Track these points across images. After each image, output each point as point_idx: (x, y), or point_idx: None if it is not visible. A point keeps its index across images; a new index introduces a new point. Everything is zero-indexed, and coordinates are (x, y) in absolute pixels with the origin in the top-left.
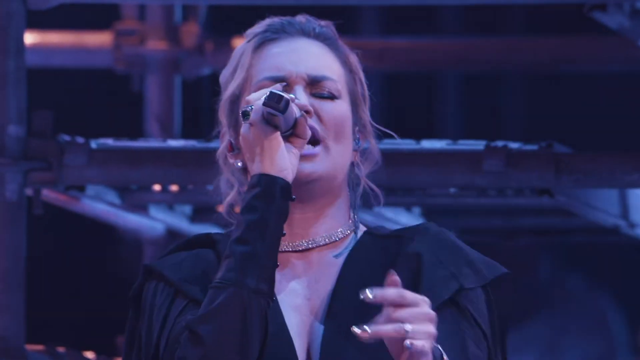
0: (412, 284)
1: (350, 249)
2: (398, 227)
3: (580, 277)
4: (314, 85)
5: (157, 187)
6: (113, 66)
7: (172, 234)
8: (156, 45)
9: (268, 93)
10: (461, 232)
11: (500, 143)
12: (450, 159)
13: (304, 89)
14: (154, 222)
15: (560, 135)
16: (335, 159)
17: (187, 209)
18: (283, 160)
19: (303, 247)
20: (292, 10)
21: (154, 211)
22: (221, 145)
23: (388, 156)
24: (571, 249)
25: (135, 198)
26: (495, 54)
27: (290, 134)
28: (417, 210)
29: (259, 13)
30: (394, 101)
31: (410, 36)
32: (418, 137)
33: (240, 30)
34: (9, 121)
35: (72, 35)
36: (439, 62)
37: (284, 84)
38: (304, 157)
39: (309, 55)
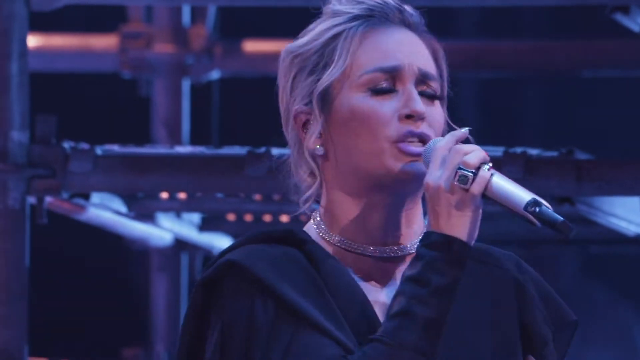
0: (517, 315)
1: None
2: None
3: (602, 288)
4: (422, 82)
5: (164, 195)
6: (119, 70)
7: (180, 243)
8: (163, 48)
9: (531, 199)
10: (481, 240)
11: (519, 149)
12: None
13: (414, 85)
14: (161, 231)
15: (581, 141)
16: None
17: (196, 217)
18: (476, 231)
19: (388, 254)
20: (305, 12)
21: (161, 220)
22: (300, 132)
23: None
24: (593, 259)
25: (142, 206)
26: (514, 57)
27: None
28: None
29: (270, 15)
30: None
31: None
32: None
33: (249, 33)
34: (11, 127)
35: (76, 38)
36: (454, 66)
37: (467, 129)
38: (416, 157)
39: (418, 49)
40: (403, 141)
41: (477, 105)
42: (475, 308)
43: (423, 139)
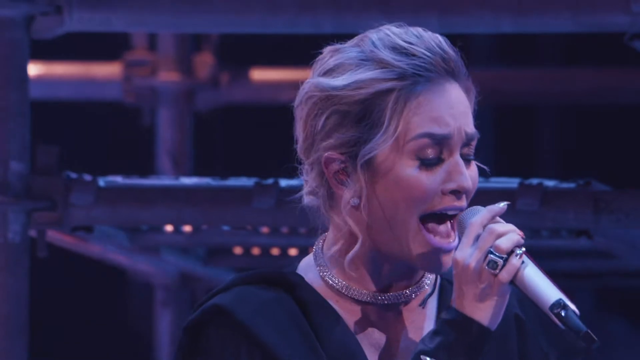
0: (519, 348)
1: (435, 299)
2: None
3: (620, 323)
4: (465, 145)
5: (169, 228)
6: (122, 99)
7: (185, 278)
8: (168, 76)
9: (557, 300)
10: None
11: (535, 181)
12: (481, 197)
13: (460, 152)
14: (165, 265)
15: (599, 173)
16: None
17: (201, 251)
18: (499, 316)
19: (390, 301)
20: (314, 40)
21: (165, 254)
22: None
23: None
24: (611, 293)
25: (145, 240)
26: (530, 85)
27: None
28: None
29: (277, 42)
30: None
31: None
32: None
33: (256, 61)
34: (11, 157)
35: (78, 66)
36: None
37: (506, 203)
38: (445, 252)
39: (464, 108)
40: (435, 231)
41: (492, 135)
42: None
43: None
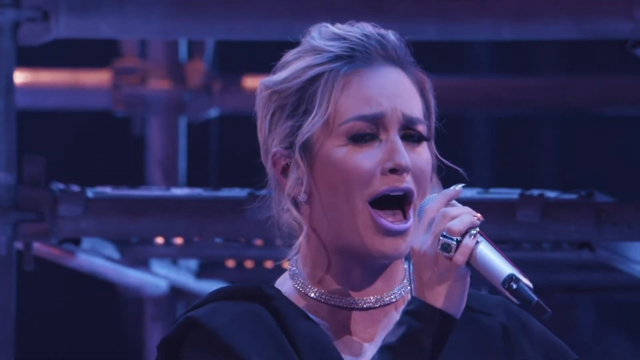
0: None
1: None
2: None
3: (623, 338)
4: (406, 127)
5: (159, 240)
6: (112, 108)
7: (176, 291)
8: (159, 84)
9: (508, 275)
10: (493, 289)
11: (535, 192)
12: (481, 208)
13: (398, 134)
14: (156, 278)
15: (601, 184)
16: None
17: (193, 264)
18: (463, 303)
19: (368, 305)
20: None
21: (156, 266)
22: (288, 184)
23: None
24: (613, 307)
25: (135, 252)
26: (530, 94)
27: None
28: None
29: (271, 50)
30: None
31: (437, 75)
32: (446, 185)
33: (249, 69)
34: None
35: (66, 73)
36: (469, 103)
37: (461, 185)
38: (397, 234)
39: (402, 90)
40: (384, 214)
41: (492, 145)
42: (460, 356)
43: (408, 194)
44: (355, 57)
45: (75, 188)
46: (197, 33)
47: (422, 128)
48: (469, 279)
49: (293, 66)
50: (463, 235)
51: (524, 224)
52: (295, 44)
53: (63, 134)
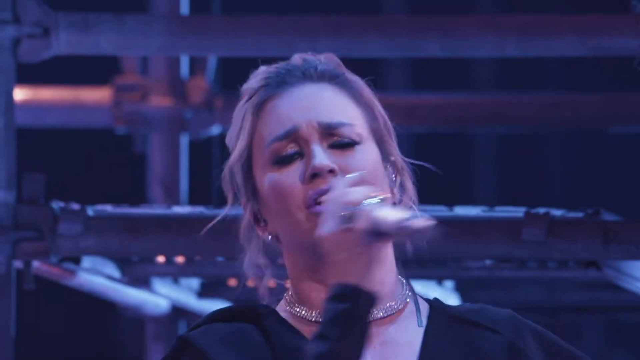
0: None
1: (423, 328)
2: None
3: (630, 358)
4: (330, 134)
5: (160, 259)
6: (112, 125)
7: (177, 310)
8: (160, 101)
9: (404, 218)
10: (500, 308)
11: (541, 210)
12: (486, 227)
13: (320, 143)
14: (157, 297)
15: (608, 202)
16: None
17: (195, 283)
18: (378, 276)
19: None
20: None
21: (157, 285)
22: (244, 219)
23: None
24: (620, 327)
25: (136, 271)
26: (535, 111)
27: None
28: (449, 284)
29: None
30: (424, 162)
31: (442, 92)
32: (450, 203)
33: None
34: None
35: (66, 90)
36: (473, 120)
37: (364, 172)
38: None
39: (317, 101)
40: (312, 205)
41: (496, 163)
42: None
43: None
44: (269, 85)
45: (76, 206)
46: (199, 49)
47: (347, 130)
48: (378, 249)
49: (234, 119)
50: (358, 207)
51: (530, 242)
52: None
53: (63, 151)
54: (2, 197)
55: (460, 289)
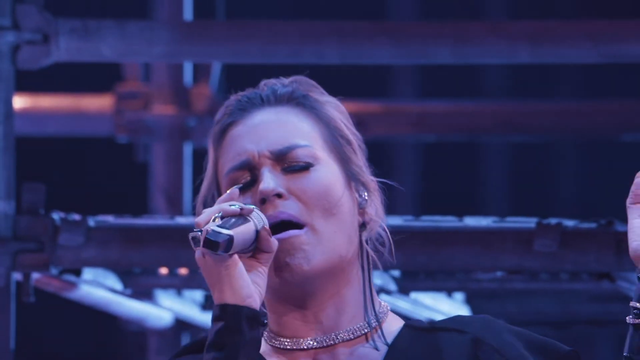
0: None
1: (389, 343)
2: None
3: None
4: (282, 159)
5: (163, 271)
6: (114, 133)
7: (181, 324)
8: (163, 109)
9: (209, 233)
10: (508, 321)
11: (553, 220)
12: (497, 238)
13: (272, 169)
14: (160, 310)
15: (621, 212)
16: (329, 238)
17: (199, 295)
18: (246, 286)
19: (327, 343)
20: (317, 70)
21: (160, 298)
22: None
23: (427, 235)
24: None
25: (139, 283)
26: (547, 119)
27: (254, 249)
28: (459, 296)
29: (279, 74)
30: (433, 172)
31: (450, 99)
32: (460, 214)
33: None
34: None
35: (67, 98)
36: (483, 128)
37: (240, 185)
38: (288, 244)
39: (268, 129)
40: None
41: (508, 172)
42: None
43: (285, 221)
44: (230, 114)
45: (76, 217)
46: (203, 56)
47: (300, 152)
48: (239, 263)
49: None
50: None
51: (541, 253)
52: (303, 67)
53: (63, 160)
54: (1, 208)
55: (470, 301)
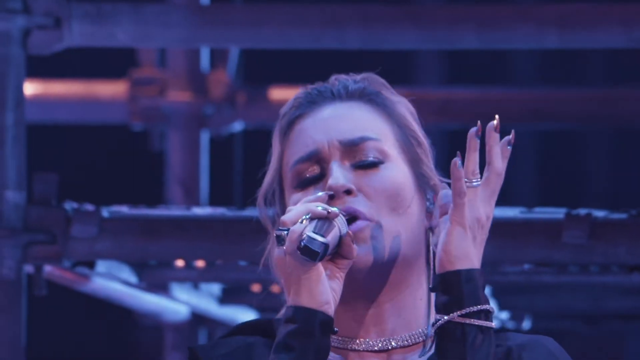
0: None
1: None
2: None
3: None
4: (352, 152)
5: (180, 263)
6: (128, 121)
7: (197, 318)
8: (179, 96)
9: (305, 239)
10: (536, 316)
11: (582, 211)
12: (524, 229)
13: (341, 163)
14: (176, 304)
15: None
16: (395, 236)
17: (216, 288)
18: (325, 292)
19: (378, 347)
20: (335, 56)
21: (176, 291)
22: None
23: None
24: None
25: (154, 276)
26: (577, 107)
27: (334, 253)
28: (485, 290)
29: (299, 59)
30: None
31: (476, 86)
32: None
33: (276, 79)
34: (6, 186)
35: (80, 84)
36: (510, 116)
37: (330, 193)
38: (354, 235)
39: (342, 119)
40: None
41: (536, 161)
42: None
43: (352, 215)
44: (298, 106)
45: (90, 207)
46: (220, 41)
47: (371, 146)
48: (321, 269)
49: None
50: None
51: (570, 245)
52: (324, 53)
53: (76, 149)
54: (11, 198)
55: (497, 295)
